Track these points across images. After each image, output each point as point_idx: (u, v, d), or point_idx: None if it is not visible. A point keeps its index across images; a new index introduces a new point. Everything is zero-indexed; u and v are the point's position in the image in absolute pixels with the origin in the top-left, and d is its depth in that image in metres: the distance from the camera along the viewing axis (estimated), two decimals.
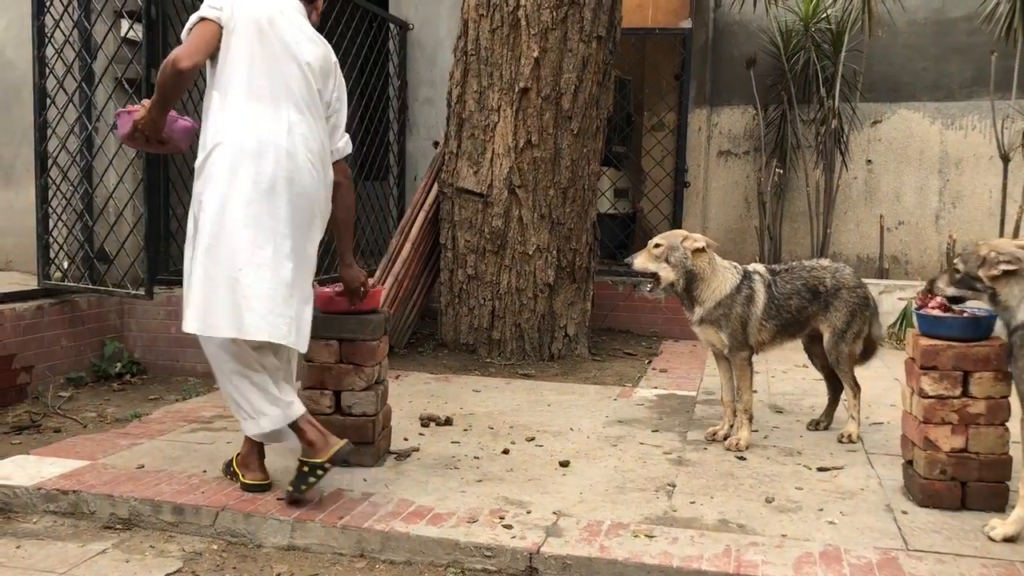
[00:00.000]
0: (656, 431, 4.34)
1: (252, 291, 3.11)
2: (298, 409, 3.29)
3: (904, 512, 3.26)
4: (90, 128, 5.45)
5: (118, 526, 3.26)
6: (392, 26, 7.62)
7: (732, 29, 7.97)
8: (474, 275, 6.00)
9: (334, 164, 3.45)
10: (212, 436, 4.13)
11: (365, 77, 7.06)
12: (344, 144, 3.51)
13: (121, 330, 5.65)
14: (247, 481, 3.37)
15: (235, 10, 3.20)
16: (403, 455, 3.85)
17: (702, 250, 3.98)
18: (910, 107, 7.69)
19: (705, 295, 4.00)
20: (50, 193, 5.57)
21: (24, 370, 4.89)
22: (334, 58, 3.47)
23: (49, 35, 5.51)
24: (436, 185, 6.29)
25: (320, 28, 6.34)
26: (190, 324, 3.18)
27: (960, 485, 3.25)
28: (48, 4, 5.51)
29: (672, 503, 3.34)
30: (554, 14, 5.64)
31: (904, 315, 6.74)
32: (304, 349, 3.33)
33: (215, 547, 3.11)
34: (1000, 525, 3.00)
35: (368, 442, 3.68)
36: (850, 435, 4.16)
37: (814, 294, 4.13)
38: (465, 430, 4.29)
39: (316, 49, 3.36)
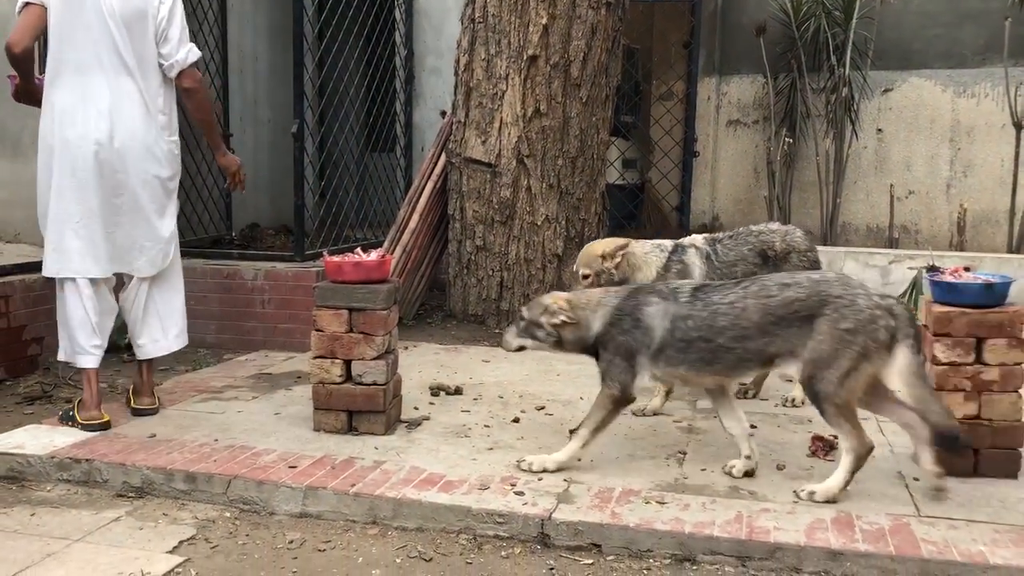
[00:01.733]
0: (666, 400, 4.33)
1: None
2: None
3: (916, 479, 3.25)
4: None
5: (131, 494, 3.28)
6: None
7: None
8: (482, 246, 5.97)
9: (182, 72, 3.71)
10: (223, 406, 4.14)
11: (371, 47, 7.00)
12: (185, 54, 3.71)
13: None
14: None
15: None
16: (414, 424, 3.85)
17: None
18: (921, 75, 7.58)
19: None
20: None
21: (35, 341, 4.90)
22: None
23: None
24: (444, 155, 6.25)
25: None
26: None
27: (973, 452, 3.24)
28: None
29: (683, 470, 3.35)
30: None
31: (914, 285, 6.69)
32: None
33: (228, 515, 3.13)
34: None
35: (379, 411, 3.69)
36: None
37: (763, 258, 4.06)
38: (475, 399, 4.29)
39: None
